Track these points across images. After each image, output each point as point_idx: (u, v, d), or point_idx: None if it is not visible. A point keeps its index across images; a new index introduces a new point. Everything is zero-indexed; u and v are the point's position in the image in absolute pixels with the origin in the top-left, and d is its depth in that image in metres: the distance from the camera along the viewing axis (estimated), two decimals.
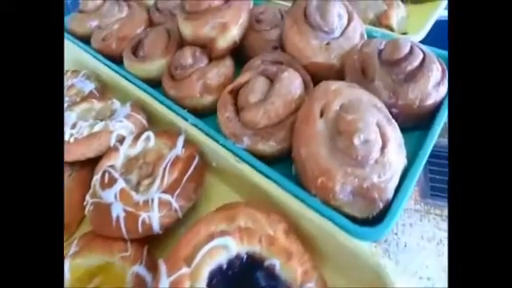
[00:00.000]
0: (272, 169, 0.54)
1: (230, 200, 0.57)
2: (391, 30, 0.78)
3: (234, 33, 0.72)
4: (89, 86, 0.85)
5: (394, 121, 0.51)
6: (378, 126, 0.48)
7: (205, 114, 0.71)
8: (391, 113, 0.53)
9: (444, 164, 0.67)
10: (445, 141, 0.67)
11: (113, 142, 0.63)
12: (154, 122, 0.73)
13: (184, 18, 0.75)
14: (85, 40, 0.99)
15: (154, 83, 0.79)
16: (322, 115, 0.51)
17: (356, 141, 0.45)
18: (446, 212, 0.61)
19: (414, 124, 0.57)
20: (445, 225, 0.59)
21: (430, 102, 0.55)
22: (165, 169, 0.55)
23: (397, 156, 0.47)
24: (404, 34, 0.80)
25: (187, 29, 0.75)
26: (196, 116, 0.67)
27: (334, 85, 0.54)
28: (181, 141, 0.61)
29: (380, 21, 0.79)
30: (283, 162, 0.58)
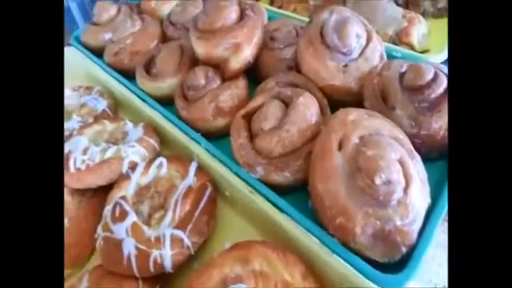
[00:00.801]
0: (287, 201, 0.52)
1: (244, 233, 0.56)
2: (412, 47, 0.75)
3: (247, 53, 0.70)
4: (102, 105, 0.84)
5: (416, 154, 0.48)
6: (401, 162, 0.45)
7: (218, 136, 0.69)
8: (413, 143, 0.50)
9: None
10: None
11: (125, 168, 0.62)
12: (166, 144, 0.72)
13: (196, 37, 0.73)
14: (98, 53, 0.99)
15: (167, 101, 0.78)
16: (340, 148, 0.48)
17: (377, 181, 0.43)
18: None
19: (438, 154, 0.54)
20: None
21: None
22: (177, 201, 0.53)
23: (420, 195, 0.44)
24: (425, 51, 0.76)
25: (200, 48, 0.73)
26: (209, 138, 0.66)
27: (353, 114, 0.51)
28: (193, 168, 0.59)
29: (400, 38, 0.75)
30: (299, 192, 0.55)
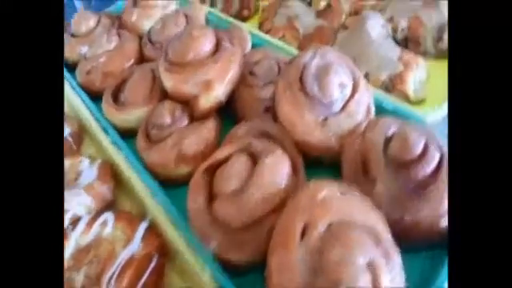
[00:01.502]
0: (244, 284, 0.44)
1: None
2: (406, 97, 0.66)
3: (219, 92, 0.62)
4: (64, 131, 0.76)
5: (394, 253, 0.39)
6: (372, 268, 0.36)
7: (180, 184, 0.61)
8: (394, 230, 0.42)
9: None
10: None
11: (65, 224, 0.54)
12: (122, 188, 0.64)
13: (165, 69, 0.65)
14: (72, 68, 0.91)
15: (134, 134, 0.70)
16: (303, 234, 0.40)
17: None
18: None
19: (426, 244, 0.46)
20: None
21: (446, 223, 0.43)
22: (111, 278, 0.45)
23: None
24: (421, 101, 0.66)
25: (168, 82, 0.65)
26: (170, 186, 0.58)
27: (324, 191, 0.42)
28: (141, 232, 0.51)
29: (394, 84, 0.66)
30: (259, 273, 0.47)
